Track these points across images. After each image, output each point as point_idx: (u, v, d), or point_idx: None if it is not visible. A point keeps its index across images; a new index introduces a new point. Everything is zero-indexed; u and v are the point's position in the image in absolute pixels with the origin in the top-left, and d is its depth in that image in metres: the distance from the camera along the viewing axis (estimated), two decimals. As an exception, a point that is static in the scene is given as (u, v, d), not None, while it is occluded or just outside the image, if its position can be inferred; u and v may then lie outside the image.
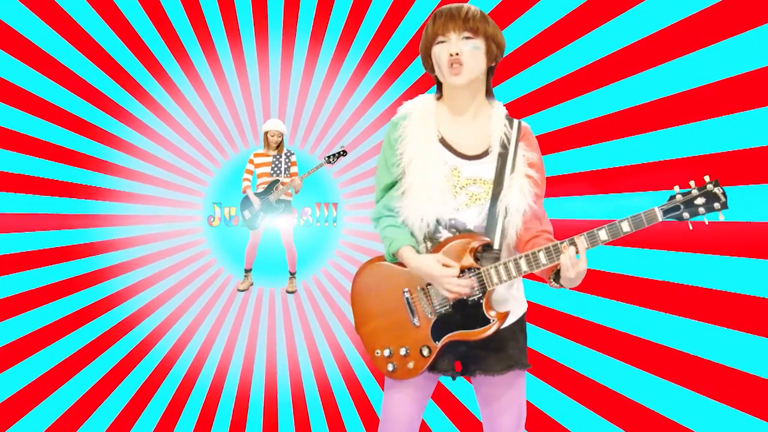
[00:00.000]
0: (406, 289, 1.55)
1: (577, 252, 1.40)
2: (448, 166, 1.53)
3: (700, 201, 1.40)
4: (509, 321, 1.56)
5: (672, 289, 2.83)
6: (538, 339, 3.24)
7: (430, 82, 1.66)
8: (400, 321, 1.55)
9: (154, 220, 5.49)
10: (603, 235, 1.42)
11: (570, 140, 3.42)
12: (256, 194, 5.24)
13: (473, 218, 1.53)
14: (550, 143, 3.42)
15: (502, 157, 1.54)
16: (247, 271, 5.48)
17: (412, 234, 1.56)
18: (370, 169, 5.44)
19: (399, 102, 1.65)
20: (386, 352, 1.56)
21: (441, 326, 1.51)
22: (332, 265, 5.69)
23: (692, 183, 1.41)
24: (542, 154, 1.63)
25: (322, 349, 4.17)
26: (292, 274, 5.48)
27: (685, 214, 1.41)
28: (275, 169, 5.26)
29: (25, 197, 4.18)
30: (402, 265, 1.57)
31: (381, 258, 1.62)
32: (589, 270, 1.43)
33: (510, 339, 1.58)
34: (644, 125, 3.01)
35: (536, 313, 1.65)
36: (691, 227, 1.43)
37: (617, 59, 3.17)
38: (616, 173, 3.15)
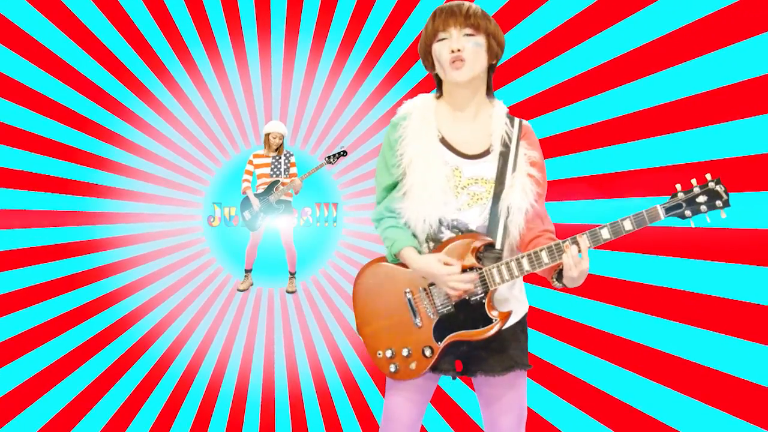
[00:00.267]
0: (408, 290, 1.54)
1: (579, 251, 1.39)
2: (449, 166, 1.53)
3: (702, 199, 1.40)
4: (511, 321, 1.55)
5: (670, 295, 2.83)
6: (535, 342, 3.23)
7: (432, 85, 1.65)
8: (402, 322, 1.54)
9: (153, 218, 5.48)
10: (605, 233, 1.41)
11: (570, 144, 3.42)
12: (256, 195, 5.24)
13: (475, 218, 1.52)
14: (550, 147, 3.41)
15: (504, 156, 1.53)
16: (248, 271, 5.48)
17: (414, 235, 1.56)
18: (370, 170, 5.43)
19: (400, 104, 1.64)
20: (388, 353, 1.55)
21: (443, 326, 1.51)
22: (332, 266, 5.68)
23: (694, 181, 1.41)
24: (544, 158, 1.62)
25: (320, 350, 4.16)
26: (292, 274, 5.48)
27: (687, 212, 1.40)
28: (275, 169, 5.26)
29: (24, 193, 4.17)
30: (403, 265, 1.56)
31: (382, 259, 1.61)
32: (591, 275, 1.43)
33: (511, 339, 1.57)
34: (646, 130, 3.01)
35: (533, 317, 1.66)
36: (693, 225, 1.42)
37: (619, 64, 3.17)
38: (617, 178, 3.15)
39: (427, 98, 1.61)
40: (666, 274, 2.85)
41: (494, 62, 1.57)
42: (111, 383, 3.49)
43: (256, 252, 5.44)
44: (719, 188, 1.39)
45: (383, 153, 1.60)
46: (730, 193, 1.40)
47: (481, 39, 1.49)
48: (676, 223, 1.45)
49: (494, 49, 1.53)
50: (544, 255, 1.44)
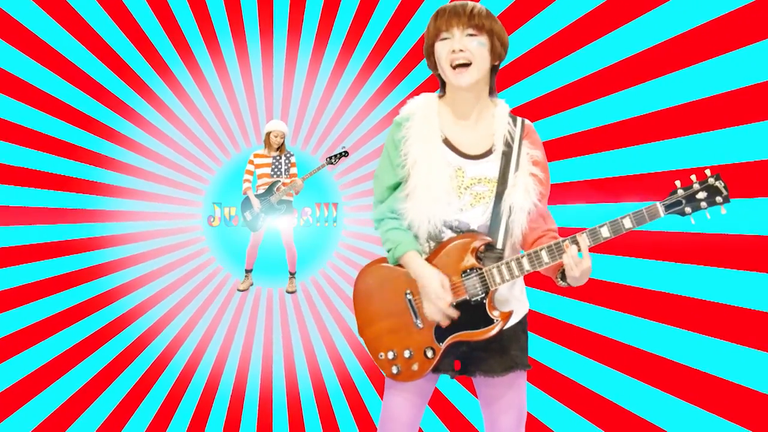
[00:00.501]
0: (409, 291, 1.53)
1: (579, 250, 1.39)
2: (452, 167, 1.52)
3: (701, 195, 1.39)
4: (512, 321, 1.54)
5: (667, 300, 2.83)
6: (531, 344, 3.22)
7: (435, 86, 1.64)
8: (403, 323, 1.53)
9: (153, 217, 5.48)
10: (605, 232, 1.41)
11: (573, 148, 3.41)
12: (256, 196, 5.23)
13: (478, 217, 1.52)
14: (555, 149, 3.41)
15: (506, 156, 1.52)
16: (248, 271, 5.47)
17: (415, 236, 1.55)
18: (371, 171, 5.41)
19: (403, 104, 1.63)
20: (390, 355, 1.54)
21: (444, 327, 1.49)
22: (331, 267, 5.67)
23: (693, 177, 1.40)
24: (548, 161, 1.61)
25: (318, 350, 4.15)
26: (292, 275, 5.47)
27: (687, 209, 1.40)
28: (275, 170, 5.26)
29: (25, 190, 4.17)
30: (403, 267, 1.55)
31: (382, 260, 1.60)
32: (588, 279, 1.42)
33: (512, 340, 1.56)
34: (649, 135, 3.00)
35: (529, 319, 1.66)
36: (693, 222, 1.41)
37: (621, 68, 3.17)
38: (621, 181, 3.14)
39: (429, 98, 1.60)
40: (663, 278, 2.86)
41: (497, 63, 1.55)
42: (109, 381, 3.49)
43: (256, 252, 5.43)
44: (719, 184, 1.39)
45: (387, 152, 1.59)
46: (732, 199, 1.39)
47: (484, 39, 1.48)
48: (676, 223, 1.44)
49: (497, 50, 1.51)
50: (544, 254, 1.43)
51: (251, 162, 5.29)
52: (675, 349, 2.75)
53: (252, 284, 5.48)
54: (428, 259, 1.51)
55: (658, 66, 2.97)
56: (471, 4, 1.50)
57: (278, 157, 5.27)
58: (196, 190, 5.73)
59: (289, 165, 5.31)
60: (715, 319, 2.61)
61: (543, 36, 3.60)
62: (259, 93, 5.60)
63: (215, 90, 5.45)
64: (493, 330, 1.46)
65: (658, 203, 1.40)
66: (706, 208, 1.39)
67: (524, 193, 1.50)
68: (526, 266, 1.45)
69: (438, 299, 1.45)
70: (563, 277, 1.46)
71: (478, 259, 1.48)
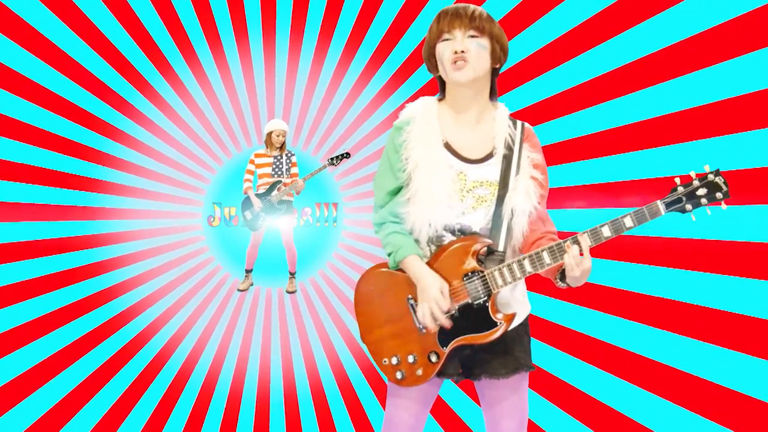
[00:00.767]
0: (411, 296, 1.52)
1: (580, 250, 1.39)
2: (454, 170, 1.52)
3: (702, 192, 1.39)
4: (514, 323, 1.54)
5: (667, 306, 2.83)
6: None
7: (437, 89, 1.64)
8: (406, 328, 1.52)
9: (153, 215, 5.48)
10: (606, 231, 1.41)
11: (572, 153, 3.41)
12: (257, 195, 5.23)
13: (479, 221, 1.52)
14: (554, 154, 3.40)
15: (507, 159, 1.53)
16: (248, 271, 5.46)
17: (416, 240, 1.54)
18: (372, 173, 5.40)
19: (403, 107, 1.63)
20: (394, 360, 1.53)
21: (447, 331, 1.49)
22: (331, 268, 5.66)
23: (693, 173, 1.40)
24: (550, 165, 1.62)
25: (316, 351, 4.14)
26: (292, 275, 5.46)
27: (688, 206, 1.40)
28: (276, 169, 5.25)
29: (25, 187, 4.17)
30: (404, 271, 1.54)
31: (382, 265, 1.60)
32: (586, 284, 1.42)
33: (515, 342, 1.56)
34: (652, 140, 3.00)
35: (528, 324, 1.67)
36: (693, 219, 1.41)
37: (622, 73, 3.17)
38: (620, 187, 3.14)
39: (429, 101, 1.61)
40: (663, 285, 2.86)
41: (497, 66, 1.57)
42: (106, 379, 3.48)
43: (257, 252, 5.43)
44: (719, 180, 1.39)
45: (388, 156, 1.59)
46: (734, 206, 1.39)
47: (484, 41, 1.49)
48: (675, 229, 1.44)
49: (497, 53, 1.53)
50: (545, 255, 1.43)
51: (252, 161, 5.29)
52: (672, 355, 2.75)
53: (252, 284, 5.48)
54: (429, 263, 1.51)
55: (659, 72, 2.97)
56: (472, 6, 1.52)
57: (279, 157, 5.27)
58: (197, 189, 5.73)
59: (290, 165, 5.31)
60: (718, 326, 2.60)
61: (545, 40, 3.60)
62: (261, 93, 5.61)
63: (217, 89, 5.46)
64: (497, 333, 1.46)
65: (658, 201, 1.40)
66: (706, 205, 1.39)
67: (525, 196, 1.50)
68: (528, 268, 1.45)
69: (435, 306, 1.44)
70: (562, 278, 1.46)
71: (479, 262, 1.48)
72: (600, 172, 3.28)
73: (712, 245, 2.63)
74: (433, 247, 1.54)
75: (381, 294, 1.57)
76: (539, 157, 1.57)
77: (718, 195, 1.39)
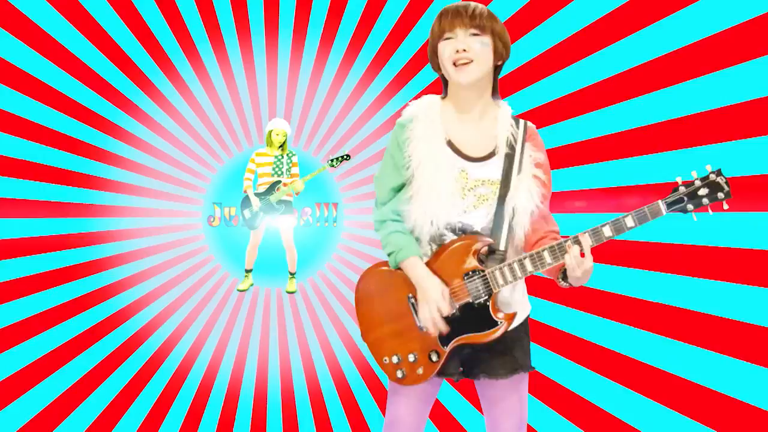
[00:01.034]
0: (411, 295, 1.52)
1: (581, 250, 1.38)
2: (456, 168, 1.52)
3: (703, 191, 1.38)
4: (515, 323, 1.53)
5: (662, 311, 2.83)
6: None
7: (440, 90, 1.65)
8: (407, 327, 1.52)
9: (153, 213, 5.47)
10: (607, 231, 1.40)
11: (576, 157, 3.40)
12: (256, 194, 5.22)
13: (481, 219, 1.51)
14: (558, 157, 3.40)
15: (509, 158, 1.52)
16: (248, 271, 5.45)
17: (417, 239, 1.54)
18: (373, 174, 5.39)
19: (406, 107, 1.63)
20: (394, 359, 1.52)
21: (447, 330, 1.48)
22: (330, 268, 5.65)
23: (694, 174, 1.40)
24: (555, 168, 1.62)
25: (314, 352, 4.13)
26: (292, 275, 5.45)
27: (689, 206, 1.39)
28: (276, 169, 5.25)
29: (26, 183, 4.17)
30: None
31: (382, 264, 1.59)
32: (583, 287, 1.42)
33: (515, 342, 1.56)
34: (648, 146, 3.00)
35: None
36: (695, 219, 1.40)
37: (630, 77, 3.17)
38: (626, 191, 3.14)
39: (432, 99, 1.60)
40: (660, 290, 2.85)
41: (500, 63, 1.56)
42: (103, 377, 3.47)
43: (256, 252, 5.42)
44: (720, 180, 1.38)
45: (391, 153, 1.59)
46: (732, 212, 1.38)
47: (487, 39, 1.49)
48: (674, 234, 1.43)
49: (500, 50, 1.53)
50: (546, 255, 1.42)
51: (253, 161, 5.29)
52: (666, 359, 2.75)
53: (252, 284, 5.47)
54: (430, 262, 1.50)
55: (661, 77, 2.97)
56: (473, 4, 1.51)
57: (280, 157, 5.27)
58: (197, 188, 5.72)
59: (291, 165, 5.31)
60: (715, 332, 2.60)
61: (548, 44, 3.60)
62: (263, 93, 5.61)
63: (219, 88, 5.45)
64: (498, 332, 1.45)
65: (660, 201, 1.39)
66: (707, 204, 1.38)
67: (527, 195, 1.50)
68: (529, 267, 1.44)
69: (435, 310, 1.44)
70: (565, 278, 1.45)
71: (480, 261, 1.48)
72: (603, 176, 3.27)
73: (709, 251, 2.62)
74: (435, 246, 1.53)
75: (381, 293, 1.57)
76: (542, 157, 1.56)
77: (720, 195, 1.38)
